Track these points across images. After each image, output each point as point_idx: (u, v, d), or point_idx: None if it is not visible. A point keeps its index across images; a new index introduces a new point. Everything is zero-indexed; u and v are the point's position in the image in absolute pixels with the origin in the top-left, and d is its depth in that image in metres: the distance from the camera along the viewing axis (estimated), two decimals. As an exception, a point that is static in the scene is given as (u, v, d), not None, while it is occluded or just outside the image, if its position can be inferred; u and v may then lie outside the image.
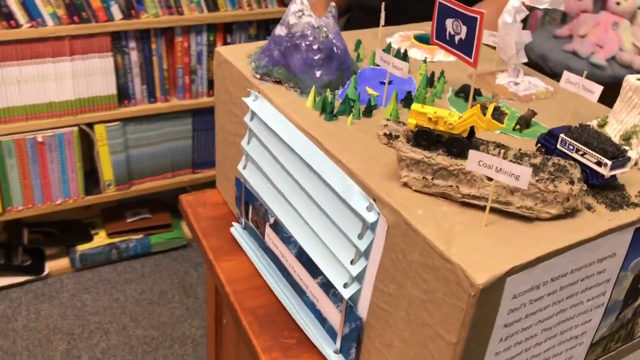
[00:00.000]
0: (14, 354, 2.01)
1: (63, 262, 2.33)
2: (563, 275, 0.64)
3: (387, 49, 0.98)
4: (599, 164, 0.68)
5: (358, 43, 1.00)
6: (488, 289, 0.57)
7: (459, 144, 0.65)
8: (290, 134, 0.79)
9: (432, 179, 0.66)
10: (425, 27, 1.13)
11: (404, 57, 0.97)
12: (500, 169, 0.60)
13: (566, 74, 0.83)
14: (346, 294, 0.72)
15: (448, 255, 0.58)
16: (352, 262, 0.71)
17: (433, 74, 0.91)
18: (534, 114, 0.82)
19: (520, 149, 0.69)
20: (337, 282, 0.73)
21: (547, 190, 0.63)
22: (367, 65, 0.96)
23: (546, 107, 0.88)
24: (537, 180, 0.63)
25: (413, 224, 0.62)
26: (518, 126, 0.81)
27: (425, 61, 0.94)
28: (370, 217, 0.67)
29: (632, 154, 0.75)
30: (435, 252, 0.60)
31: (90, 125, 2.12)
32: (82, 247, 2.34)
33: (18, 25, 1.86)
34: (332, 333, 0.79)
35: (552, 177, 0.64)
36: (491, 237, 0.61)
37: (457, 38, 0.80)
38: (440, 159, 0.66)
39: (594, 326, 0.73)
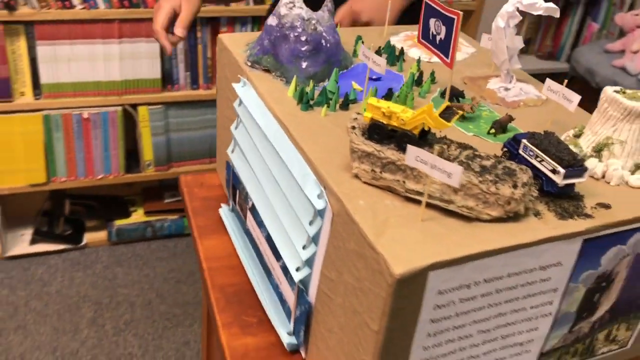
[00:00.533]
0: (44, 316, 2.12)
1: (101, 235, 2.44)
2: (498, 277, 0.64)
3: (387, 47, 1.00)
4: (553, 171, 0.68)
5: (358, 39, 1.02)
6: (406, 280, 0.58)
7: (409, 140, 0.66)
8: (266, 121, 0.82)
9: (380, 172, 0.68)
10: (435, 29, 1.13)
11: (399, 55, 0.98)
12: (434, 165, 0.61)
13: (548, 82, 0.82)
14: (297, 277, 0.74)
15: (375, 245, 0.60)
16: (304, 247, 0.73)
17: (422, 74, 0.92)
18: (510, 119, 0.81)
19: (475, 151, 0.69)
20: (291, 265, 0.75)
21: (489, 192, 0.63)
22: (359, 62, 0.98)
23: (531, 114, 0.87)
24: (481, 182, 0.64)
25: (351, 213, 0.64)
26: (493, 130, 0.81)
27: (419, 61, 0.95)
28: (319, 205, 0.69)
29: (600, 166, 0.74)
30: (366, 242, 0.61)
31: (134, 106, 2.22)
32: (119, 222, 2.45)
33: (72, 6, 1.97)
34: (289, 315, 0.81)
35: (497, 179, 0.64)
36: (424, 232, 0.62)
37: (437, 38, 0.81)
38: (390, 153, 0.67)
39: (541, 335, 0.73)
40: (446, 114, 0.67)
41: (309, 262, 0.74)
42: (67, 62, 2.05)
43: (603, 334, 0.79)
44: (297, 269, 0.75)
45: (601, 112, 0.76)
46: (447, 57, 0.79)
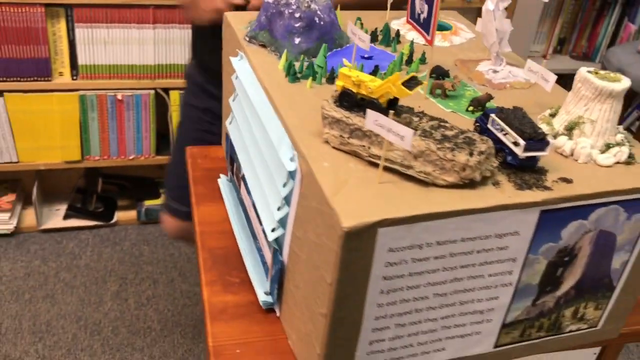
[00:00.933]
0: (72, 287, 2.22)
1: (131, 214, 2.53)
2: (452, 241, 0.66)
3: (384, 29, 1.03)
4: (515, 144, 0.70)
5: (357, 20, 1.06)
6: (355, 234, 0.61)
7: (375, 108, 0.70)
8: (254, 91, 0.87)
9: (348, 137, 0.71)
10: (440, 15, 1.16)
11: (395, 37, 1.01)
12: (390, 129, 0.64)
13: (528, 62, 0.84)
14: (271, 237, 0.78)
15: (330, 202, 0.63)
16: (278, 209, 0.77)
17: (412, 54, 0.95)
18: (489, 97, 0.83)
19: (442, 122, 0.72)
20: (267, 226, 0.80)
21: (446, 158, 0.66)
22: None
23: (516, 96, 0.89)
24: (439, 148, 0.67)
25: (315, 173, 0.68)
26: (471, 107, 0.83)
27: (412, 42, 0.98)
28: (291, 167, 0.73)
29: (569, 143, 0.76)
30: (324, 199, 0.65)
31: (166, 90, 2.30)
32: (149, 203, 2.54)
33: (110, -9, 2.06)
34: (268, 275, 0.86)
35: (455, 147, 0.67)
36: (379, 192, 0.65)
37: (421, 17, 0.84)
38: (357, 119, 0.70)
39: (502, 305, 0.75)
40: (410, 84, 0.70)
41: (283, 223, 0.78)
42: (104, 44, 2.14)
43: (570, 310, 0.80)
44: (273, 230, 0.79)
45: (575, 92, 0.77)
46: (427, 34, 0.82)
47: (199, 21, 1.23)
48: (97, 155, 2.35)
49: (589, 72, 0.76)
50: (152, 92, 2.28)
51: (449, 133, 0.70)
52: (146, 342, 2.05)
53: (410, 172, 0.68)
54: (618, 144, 0.76)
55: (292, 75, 0.85)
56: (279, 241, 0.80)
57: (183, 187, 1.37)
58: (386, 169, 0.69)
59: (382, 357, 0.73)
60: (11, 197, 2.42)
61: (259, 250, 0.90)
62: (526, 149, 0.69)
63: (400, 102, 0.80)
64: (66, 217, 2.47)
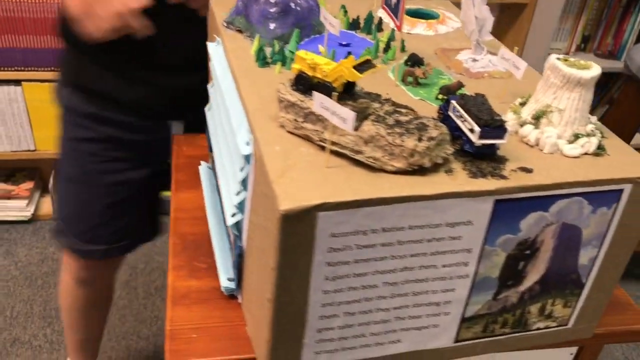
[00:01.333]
0: (84, 274, 2.26)
1: (145, 205, 2.56)
2: (399, 228, 0.65)
3: (368, 17, 1.01)
4: (471, 130, 0.68)
5: (341, 7, 1.04)
6: (293, 217, 0.60)
7: (327, 91, 0.68)
8: (224, 76, 0.86)
9: (302, 121, 0.70)
10: (431, 4, 1.13)
11: (377, 25, 0.99)
12: (334, 111, 0.62)
13: (501, 50, 0.82)
14: (229, 221, 0.78)
15: (273, 185, 0.62)
16: (237, 194, 0.77)
17: (389, 42, 0.93)
18: (459, 85, 0.81)
19: (398, 107, 0.70)
20: (227, 211, 0.79)
21: (394, 143, 0.64)
22: (340, 29, 1.00)
23: (492, 85, 0.86)
24: (389, 134, 0.65)
25: (263, 156, 0.67)
26: (440, 95, 0.81)
27: (393, 30, 0.96)
28: (245, 151, 0.72)
29: (534, 133, 0.73)
30: (268, 182, 0.64)
31: (180, 82, 2.31)
32: (163, 195, 2.56)
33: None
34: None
35: (405, 132, 0.65)
36: (324, 177, 0.64)
37: (393, 2, 0.82)
38: (311, 103, 0.69)
39: (460, 298, 0.73)
40: (363, 67, 0.68)
41: (242, 208, 0.77)
42: (119, 36, 2.16)
43: (536, 307, 0.77)
44: (233, 215, 0.78)
45: (544, 79, 0.75)
46: (397, 20, 0.80)
47: (97, 34, 1.02)
48: (112, 146, 2.38)
49: (558, 59, 0.74)
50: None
51: (403, 119, 0.68)
52: (152, 331, 2.08)
53: (359, 157, 0.66)
54: (588, 135, 0.73)
55: (262, 60, 0.84)
56: (239, 227, 0.79)
57: (98, 226, 1.31)
58: (338, 154, 0.68)
59: (332, 345, 0.71)
60: (29, 184, 2.47)
61: (227, 236, 0.89)
62: (481, 136, 0.67)
63: (370, 89, 0.78)
64: (82, 205, 2.51)
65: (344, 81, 0.69)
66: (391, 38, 0.95)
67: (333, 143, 0.68)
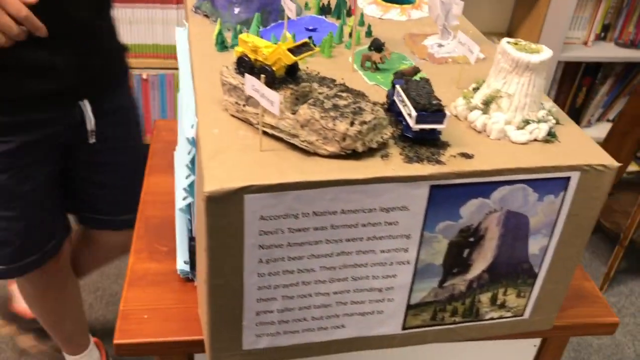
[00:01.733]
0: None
1: (158, 191, 2.60)
2: (331, 212, 0.64)
3: (338, 2, 1.00)
4: (410, 115, 0.67)
5: (314, -7, 1.03)
6: (219, 199, 0.60)
7: (268, 74, 0.68)
8: (183, 60, 0.87)
9: (244, 105, 0.70)
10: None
11: (347, 10, 0.98)
12: (263, 94, 0.62)
13: (459, 35, 0.80)
14: (179, 204, 0.78)
15: (202, 167, 0.63)
16: (186, 177, 0.77)
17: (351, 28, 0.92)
18: (415, 70, 0.80)
19: (338, 92, 0.70)
20: (179, 195, 0.80)
21: (327, 127, 0.64)
22: (311, 14, 0.99)
23: (452, 70, 0.85)
24: (322, 117, 0.64)
25: (200, 139, 0.67)
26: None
27: (362, 15, 0.95)
28: (189, 134, 0.73)
29: (481, 118, 0.72)
30: (201, 164, 0.64)
31: (190, 70, 2.33)
32: (175, 181, 2.59)
33: (134, -28, 2.10)
34: (189, 246, 0.86)
35: (339, 116, 0.64)
36: (256, 159, 0.64)
37: (350, -14, 0.81)
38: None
39: (403, 284, 0.72)
40: (301, 50, 0.68)
41: (192, 191, 0.78)
42: (129, 24, 2.19)
43: (486, 296, 0.76)
44: (184, 198, 0.79)
45: (495, 64, 0.73)
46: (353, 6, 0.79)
47: None
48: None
49: (508, 42, 0.72)
50: (177, 71, 2.32)
51: (342, 103, 0.67)
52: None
53: (295, 141, 0.66)
54: (538, 121, 0.71)
55: (221, 44, 0.85)
56: (191, 210, 0.79)
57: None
58: (276, 138, 0.68)
59: (273, 329, 0.72)
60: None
61: (189, 221, 0.90)
62: (418, 121, 0.66)
63: (327, 74, 0.78)
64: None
65: (285, 64, 0.69)
66: (360, 23, 0.94)
67: (272, 127, 0.68)
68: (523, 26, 2.49)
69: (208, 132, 0.68)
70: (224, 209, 0.61)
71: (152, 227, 0.93)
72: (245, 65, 0.70)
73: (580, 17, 2.45)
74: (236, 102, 0.70)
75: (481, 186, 0.66)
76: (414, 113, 0.65)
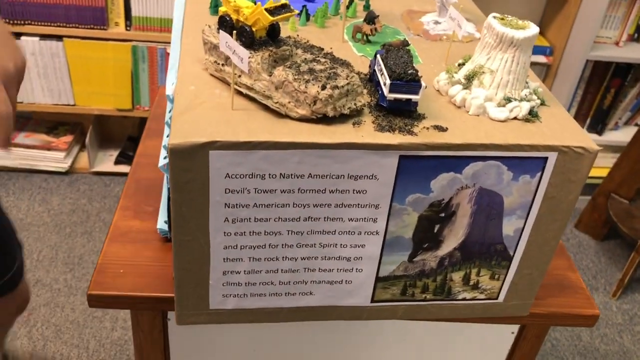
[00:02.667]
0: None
1: (176, 166, 2.63)
2: (299, 176, 0.64)
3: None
4: (384, 84, 0.66)
5: (319, -34, 1.03)
6: (184, 152, 0.61)
7: (246, 35, 0.68)
8: (178, 23, 0.87)
9: (222, 64, 0.70)
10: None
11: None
12: (234, 51, 0.62)
13: (450, 9, 0.79)
14: (160, 163, 0.79)
15: (172, 122, 0.63)
16: (167, 135, 0.78)
17: (352, 0, 0.91)
18: (403, 44, 0.79)
19: (318, 56, 0.69)
20: (162, 154, 0.81)
21: (299, 90, 0.64)
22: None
23: (444, 47, 0.84)
24: (295, 80, 0.64)
25: (176, 95, 0.68)
26: (384, 53, 0.79)
27: (359, -11, 0.94)
28: (169, 91, 0.73)
29: (462, 93, 0.71)
30: (172, 120, 0.65)
31: (214, 47, 2.34)
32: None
33: (163, -55, 2.12)
34: (172, 207, 0.87)
35: (312, 80, 0.64)
36: (226, 117, 0.64)
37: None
38: (231, 46, 0.69)
39: (372, 255, 0.72)
40: (277, 11, 0.67)
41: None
42: (143, -1, 2.22)
43: (458, 275, 0.75)
44: (165, 157, 0.80)
45: (481, 39, 0.72)
46: (345, -26, 0.79)
47: None
48: (147, 106, 2.45)
49: (494, 17, 0.70)
50: (200, 48, 2.34)
51: (318, 67, 0.67)
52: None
53: (268, 102, 0.66)
54: (521, 99, 0.70)
55: (214, 7, 0.85)
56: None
57: None
58: (250, 99, 0.68)
59: (240, 290, 0.72)
60: (69, 138, 2.57)
61: (177, 182, 0.91)
62: (392, 89, 0.65)
63: (318, 44, 0.78)
64: (117, 162, 2.60)
65: (265, 26, 0.69)
66: (356, -3, 0.94)
67: (248, 87, 0.68)
68: (554, 22, 2.44)
69: (185, 89, 0.68)
70: (189, 164, 0.62)
71: (141, 188, 0.95)
72: (226, 25, 0.71)
73: (613, 16, 2.39)
74: (215, 62, 0.71)
75: (452, 160, 0.66)
76: (388, 81, 0.65)
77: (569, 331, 2.07)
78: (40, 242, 2.27)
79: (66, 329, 1.92)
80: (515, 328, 0.88)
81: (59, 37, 2.29)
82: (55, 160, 2.55)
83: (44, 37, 2.29)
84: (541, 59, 2.42)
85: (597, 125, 2.53)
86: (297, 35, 0.81)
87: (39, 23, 2.26)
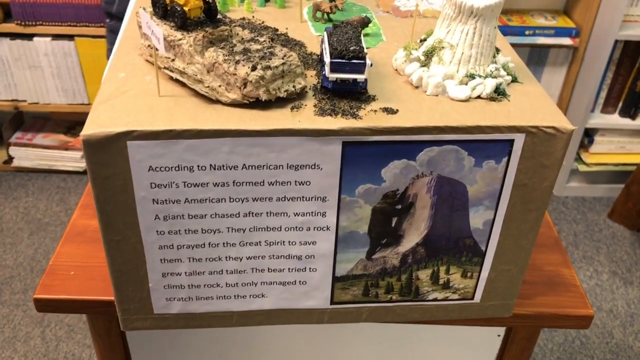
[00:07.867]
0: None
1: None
2: (232, 167, 0.58)
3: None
4: (326, 63, 0.59)
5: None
6: (98, 144, 0.55)
7: (178, 15, 0.62)
8: (131, 8, 0.82)
9: (156, 49, 0.65)
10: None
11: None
12: (152, 30, 0.57)
13: (414, -19, 0.71)
14: (107, 158, 0.74)
15: (90, 112, 0.58)
16: (113, 128, 0.73)
17: (320, -23, 0.84)
18: (364, 21, 0.72)
19: (256, 36, 0.63)
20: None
21: (229, 72, 0.58)
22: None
23: (412, 24, 0.76)
24: (225, 61, 0.58)
25: (103, 82, 0.63)
26: (343, 32, 0.72)
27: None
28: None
29: (418, 72, 0.63)
30: (95, 108, 0.60)
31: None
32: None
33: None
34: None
35: (242, 60, 0.58)
36: (151, 106, 0.59)
37: None
38: (164, 29, 0.64)
39: (324, 253, 0.65)
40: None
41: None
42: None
43: (425, 273, 0.68)
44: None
45: (442, 13, 0.64)
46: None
47: None
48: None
49: (454, -14, 0.63)
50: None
51: (255, 47, 0.61)
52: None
53: (198, 87, 0.60)
54: (486, 76, 0.62)
55: (167, -8, 0.80)
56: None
57: None
58: (183, 85, 0.62)
59: (183, 293, 0.67)
60: (86, 137, 2.58)
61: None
62: (334, 69, 0.58)
63: (275, 24, 0.73)
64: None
65: (199, 5, 0.63)
66: (330, -25, 0.87)
67: (180, 72, 0.62)
68: (580, 1, 2.31)
69: (113, 76, 0.63)
70: (106, 157, 0.56)
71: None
72: (159, 6, 0.65)
73: (644, -7, 2.25)
74: (149, 46, 0.65)
75: (403, 146, 0.59)
76: (328, 60, 0.58)
77: (599, 328, 1.96)
78: (57, 242, 2.27)
79: (79, 329, 1.91)
80: (501, 330, 0.80)
81: (70, 37, 2.28)
82: (72, 160, 2.55)
83: (55, 37, 2.29)
84: (567, 41, 2.29)
85: (630, 109, 2.39)
86: (253, 17, 0.75)
87: (51, 23, 2.26)
